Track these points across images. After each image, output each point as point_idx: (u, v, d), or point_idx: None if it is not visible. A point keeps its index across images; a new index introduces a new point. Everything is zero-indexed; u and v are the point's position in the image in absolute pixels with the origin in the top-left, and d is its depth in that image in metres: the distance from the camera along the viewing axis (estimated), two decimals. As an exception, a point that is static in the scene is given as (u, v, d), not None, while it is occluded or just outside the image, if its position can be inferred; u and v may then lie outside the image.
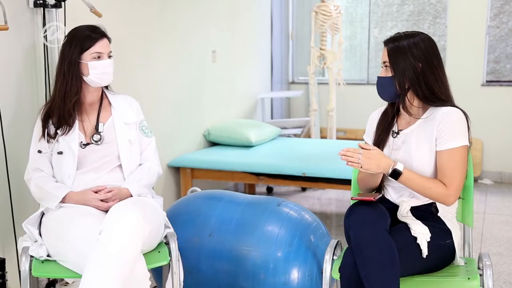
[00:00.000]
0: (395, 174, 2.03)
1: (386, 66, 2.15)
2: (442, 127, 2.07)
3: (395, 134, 2.20)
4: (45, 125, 2.34)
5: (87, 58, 2.32)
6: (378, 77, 2.19)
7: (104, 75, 2.35)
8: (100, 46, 2.34)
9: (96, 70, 2.32)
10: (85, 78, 2.34)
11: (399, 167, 2.03)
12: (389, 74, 2.13)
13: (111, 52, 2.40)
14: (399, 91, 2.12)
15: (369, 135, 2.31)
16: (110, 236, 1.96)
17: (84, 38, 2.33)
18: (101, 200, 2.25)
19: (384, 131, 2.23)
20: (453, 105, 2.12)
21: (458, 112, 2.09)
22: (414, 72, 2.09)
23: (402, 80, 2.11)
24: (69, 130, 2.33)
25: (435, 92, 2.11)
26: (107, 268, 1.91)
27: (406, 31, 2.18)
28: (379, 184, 2.22)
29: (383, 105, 2.30)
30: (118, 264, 1.93)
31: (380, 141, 2.21)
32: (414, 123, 2.17)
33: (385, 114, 2.27)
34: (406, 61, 2.09)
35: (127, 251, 1.96)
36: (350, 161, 2.01)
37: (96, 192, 2.28)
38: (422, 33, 2.17)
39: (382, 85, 2.17)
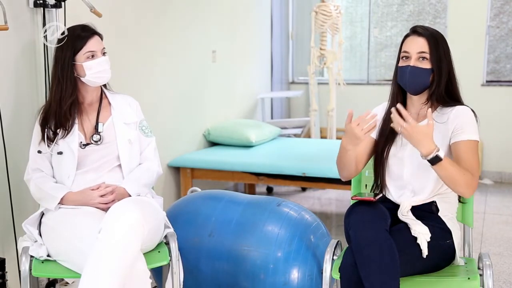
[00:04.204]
0: (435, 160, 1.93)
1: (423, 57, 2.10)
2: (458, 122, 2.08)
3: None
4: (43, 129, 2.33)
5: (81, 59, 2.31)
6: (411, 67, 2.10)
7: (101, 74, 2.34)
8: (92, 44, 2.33)
9: (91, 70, 2.31)
10: (82, 79, 2.33)
11: (441, 154, 1.93)
12: (426, 66, 2.10)
13: (104, 48, 2.38)
14: (435, 84, 2.11)
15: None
16: (110, 234, 1.96)
17: (74, 38, 2.31)
18: (101, 196, 2.25)
19: (392, 127, 2.21)
20: (464, 104, 2.15)
21: (470, 111, 2.12)
22: (447, 66, 2.11)
23: (440, 76, 2.11)
24: (67, 134, 2.32)
25: (454, 93, 2.14)
26: (107, 265, 1.91)
27: (428, 26, 2.17)
28: (381, 184, 2.22)
29: (388, 100, 2.29)
30: (118, 261, 1.93)
31: (388, 138, 2.21)
32: (424, 120, 2.16)
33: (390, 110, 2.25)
34: (445, 58, 2.11)
35: (126, 249, 1.96)
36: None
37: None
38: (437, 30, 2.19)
39: (417, 76, 2.11)
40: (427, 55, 2.10)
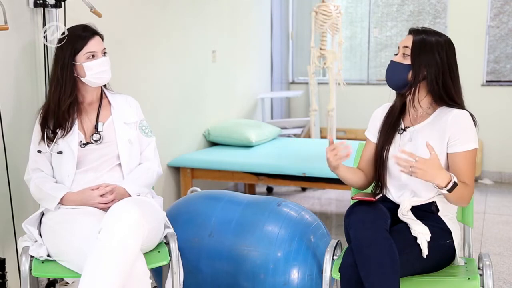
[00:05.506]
0: (452, 187, 1.94)
1: (405, 54, 2.12)
2: (455, 130, 2.07)
3: (402, 131, 2.20)
4: (43, 129, 2.33)
5: (81, 59, 2.31)
6: (392, 61, 2.16)
7: (101, 74, 2.34)
8: (92, 44, 2.32)
9: (92, 70, 2.31)
10: (83, 79, 2.33)
11: (455, 179, 1.95)
12: (406, 62, 2.12)
13: (105, 49, 2.38)
14: (411, 81, 2.12)
15: (372, 132, 2.30)
16: (110, 234, 1.96)
17: (75, 38, 2.31)
18: (101, 196, 2.25)
19: (391, 128, 2.22)
20: (463, 108, 2.14)
21: (468, 116, 2.10)
22: (434, 70, 2.09)
23: (418, 73, 2.10)
24: (67, 133, 2.32)
25: (451, 95, 2.12)
26: (107, 265, 1.91)
27: (433, 29, 2.17)
28: (381, 184, 2.22)
29: (389, 100, 2.30)
30: (118, 261, 1.93)
31: (387, 137, 2.21)
32: (422, 121, 2.16)
33: (391, 110, 2.26)
34: (428, 56, 2.09)
35: (127, 249, 1.96)
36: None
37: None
38: (446, 35, 2.17)
39: (395, 71, 2.15)
40: (408, 51, 2.12)
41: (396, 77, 2.15)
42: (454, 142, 2.07)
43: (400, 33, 5.95)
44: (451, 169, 2.08)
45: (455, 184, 1.94)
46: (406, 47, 2.12)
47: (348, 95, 5.81)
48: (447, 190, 1.94)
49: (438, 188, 1.96)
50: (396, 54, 2.18)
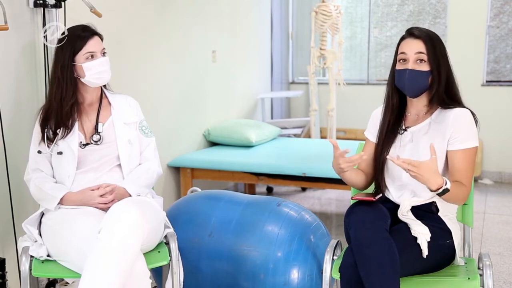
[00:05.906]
0: (443, 192, 1.94)
1: (421, 60, 2.08)
2: (456, 128, 2.07)
3: (402, 131, 2.20)
4: (43, 130, 2.33)
5: (81, 59, 2.31)
6: (410, 70, 2.08)
7: (101, 74, 2.34)
8: (91, 45, 2.32)
9: (91, 70, 2.31)
10: (82, 80, 2.33)
11: (448, 185, 1.94)
12: (424, 69, 2.09)
13: (104, 49, 2.38)
14: (435, 85, 2.09)
15: (372, 132, 2.30)
16: (110, 234, 1.96)
17: (74, 39, 2.31)
18: (101, 196, 2.25)
19: (391, 128, 2.21)
20: (463, 106, 2.13)
21: (469, 114, 2.10)
22: (444, 70, 2.09)
23: (440, 77, 2.09)
24: (68, 133, 2.32)
25: (453, 93, 2.12)
26: (107, 265, 1.91)
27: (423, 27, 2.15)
28: (380, 184, 2.22)
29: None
30: (118, 261, 1.93)
31: (387, 139, 2.21)
32: (423, 121, 2.16)
33: (390, 111, 2.23)
34: (441, 57, 2.08)
35: (127, 249, 1.96)
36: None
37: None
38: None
39: (415, 80, 2.09)
40: (425, 57, 2.08)
41: (418, 86, 2.11)
42: (454, 140, 2.07)
43: (400, 33, 5.93)
44: (450, 168, 2.08)
45: (445, 190, 1.93)
46: (421, 52, 2.08)
47: (348, 95, 5.81)
48: (437, 194, 1.95)
49: (429, 190, 1.95)
50: (401, 61, 2.12)
